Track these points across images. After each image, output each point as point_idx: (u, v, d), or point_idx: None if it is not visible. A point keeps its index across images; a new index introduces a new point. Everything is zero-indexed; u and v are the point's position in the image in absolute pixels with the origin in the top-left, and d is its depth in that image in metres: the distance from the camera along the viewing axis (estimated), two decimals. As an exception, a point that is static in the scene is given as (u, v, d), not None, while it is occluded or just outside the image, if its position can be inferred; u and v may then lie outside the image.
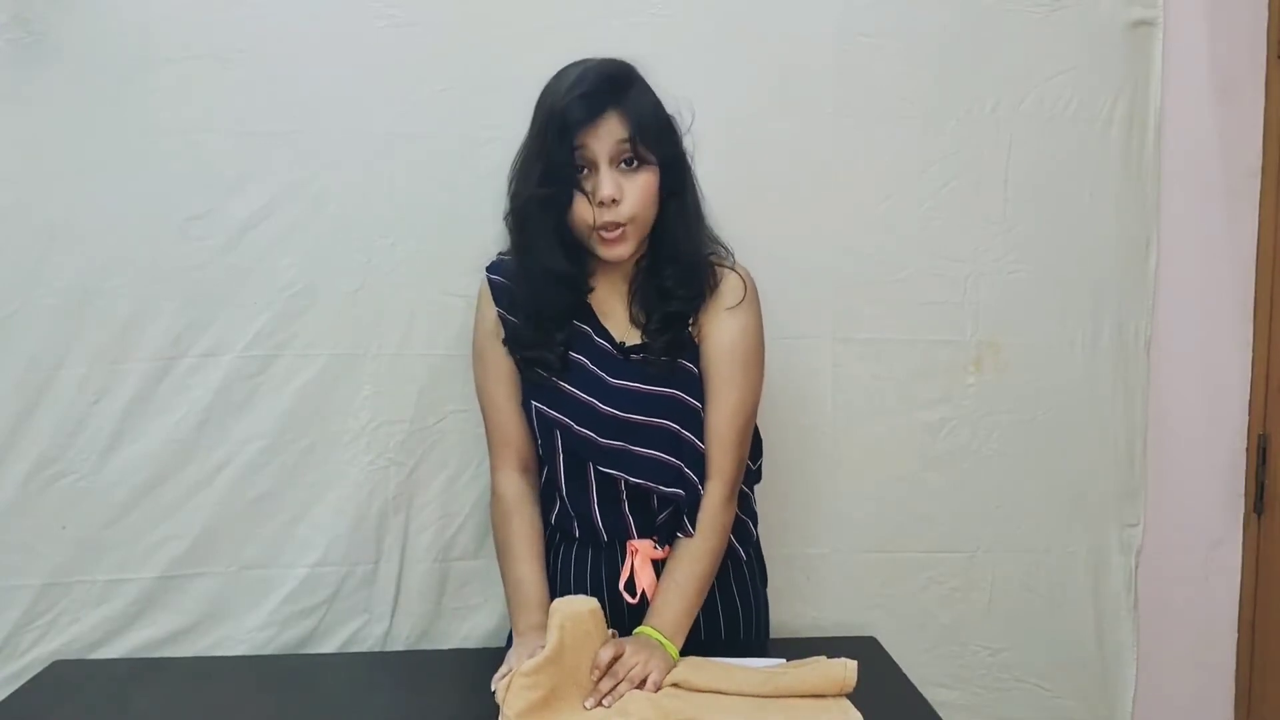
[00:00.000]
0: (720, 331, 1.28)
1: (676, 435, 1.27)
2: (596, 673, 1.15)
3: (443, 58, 1.51)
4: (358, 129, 1.51)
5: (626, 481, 1.28)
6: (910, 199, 1.59)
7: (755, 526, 1.41)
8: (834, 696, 1.16)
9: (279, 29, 1.49)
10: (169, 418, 1.51)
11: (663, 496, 1.28)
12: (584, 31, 1.49)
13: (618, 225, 1.22)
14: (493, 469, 1.37)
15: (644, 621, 1.23)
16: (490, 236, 1.51)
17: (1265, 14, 1.63)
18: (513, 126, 1.49)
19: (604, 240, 1.23)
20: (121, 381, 1.50)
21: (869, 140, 1.57)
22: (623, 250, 1.24)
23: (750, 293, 1.30)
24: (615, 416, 1.27)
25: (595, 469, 1.29)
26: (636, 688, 1.14)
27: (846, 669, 1.17)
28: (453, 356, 1.52)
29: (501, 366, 1.33)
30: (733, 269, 1.31)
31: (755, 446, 1.38)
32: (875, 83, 1.57)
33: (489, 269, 1.36)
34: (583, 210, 1.22)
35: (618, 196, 1.20)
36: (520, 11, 1.51)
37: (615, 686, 1.14)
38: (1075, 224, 1.61)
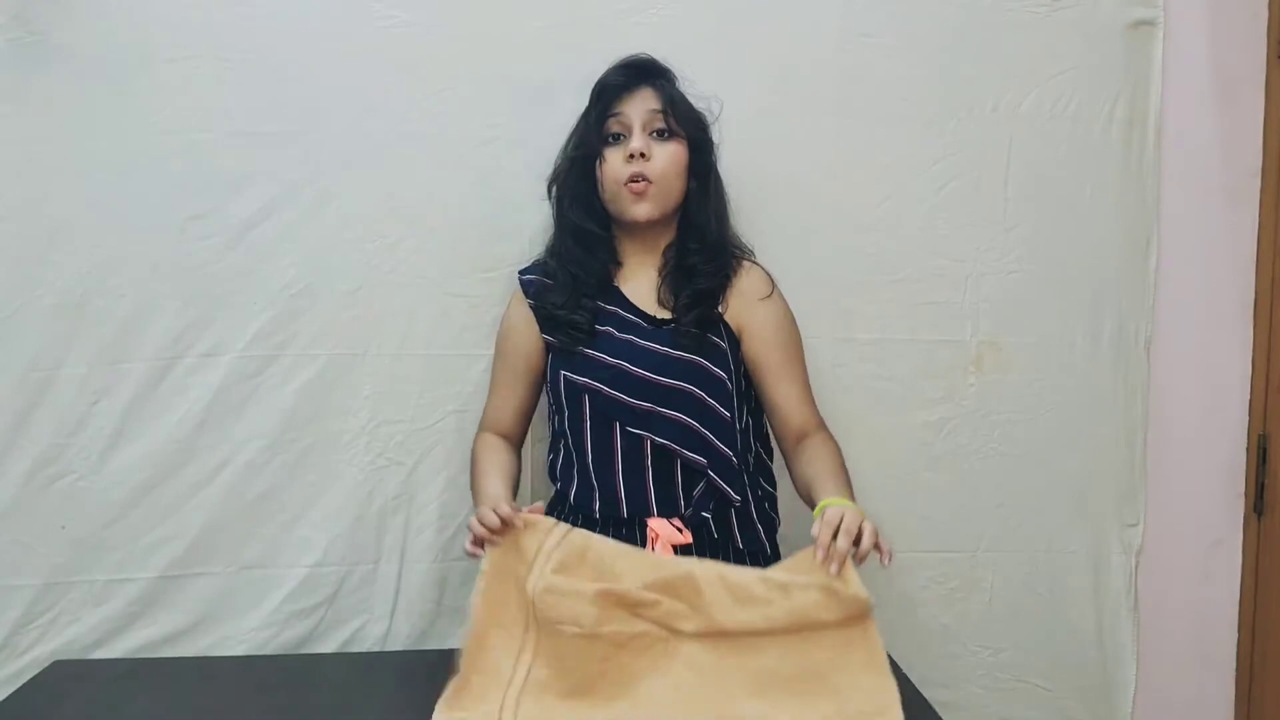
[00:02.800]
0: (763, 321, 1.37)
1: (701, 401, 1.31)
2: (822, 553, 1.12)
3: (443, 58, 1.51)
4: (358, 129, 1.51)
5: (652, 444, 1.32)
6: (910, 199, 1.59)
7: (778, 532, 1.42)
8: (858, 622, 1.12)
9: (279, 29, 1.49)
10: (169, 418, 1.51)
11: (686, 464, 1.31)
12: (584, 32, 1.49)
13: (645, 179, 1.31)
14: (476, 436, 1.44)
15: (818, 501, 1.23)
16: (490, 236, 1.52)
17: (1265, 14, 1.63)
18: (513, 126, 1.50)
19: (631, 193, 1.32)
20: (121, 381, 1.50)
21: (869, 140, 1.57)
22: (647, 208, 1.33)
23: (775, 284, 1.40)
24: (645, 378, 1.32)
25: (622, 431, 1.32)
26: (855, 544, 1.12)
27: (863, 604, 1.11)
28: (453, 356, 1.53)
29: (517, 359, 1.41)
30: (755, 263, 1.40)
31: (770, 452, 1.44)
32: (875, 83, 1.57)
33: (521, 271, 1.43)
34: (613, 164, 1.33)
35: (646, 152, 1.32)
36: (520, 12, 1.51)
37: (850, 549, 1.12)
38: (1075, 224, 1.61)
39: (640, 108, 1.33)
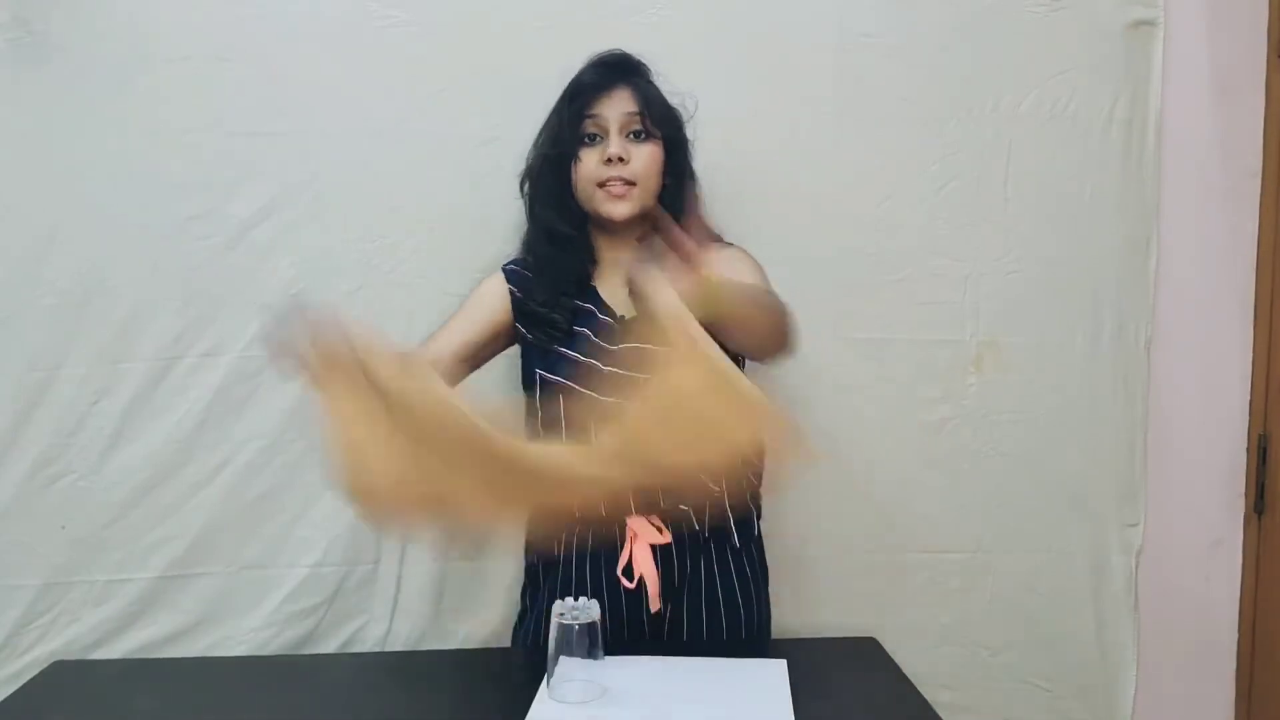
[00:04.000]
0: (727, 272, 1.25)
1: None
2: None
3: (442, 58, 1.51)
4: (357, 128, 1.51)
5: None
6: (910, 199, 1.59)
7: (759, 522, 1.41)
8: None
9: (279, 29, 1.49)
10: (169, 418, 1.51)
11: None
12: (584, 31, 1.49)
13: (625, 182, 1.30)
14: None
15: None
16: (490, 236, 1.52)
17: (1265, 14, 1.63)
18: (513, 126, 1.50)
19: (609, 195, 1.30)
20: (121, 381, 1.50)
21: (869, 140, 1.57)
22: (625, 208, 1.31)
23: (752, 259, 1.35)
24: (614, 373, 1.30)
25: (596, 429, 1.30)
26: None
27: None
28: (453, 356, 1.52)
29: (481, 319, 1.37)
30: (732, 245, 1.37)
31: None
32: (875, 83, 1.57)
33: (505, 264, 1.40)
34: (589, 165, 1.31)
35: (625, 156, 1.29)
36: (520, 12, 1.51)
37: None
38: (1075, 224, 1.61)
39: (617, 110, 1.31)
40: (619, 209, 1.31)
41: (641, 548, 1.30)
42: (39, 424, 1.50)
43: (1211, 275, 1.66)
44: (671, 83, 1.36)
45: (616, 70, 1.33)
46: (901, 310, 1.60)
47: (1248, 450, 1.69)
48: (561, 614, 1.17)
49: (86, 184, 1.49)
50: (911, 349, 1.61)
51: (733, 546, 1.36)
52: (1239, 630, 1.71)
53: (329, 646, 1.56)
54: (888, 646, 1.39)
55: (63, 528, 1.51)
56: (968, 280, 1.60)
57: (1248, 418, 1.68)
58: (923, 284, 1.60)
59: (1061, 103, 1.59)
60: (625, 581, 1.30)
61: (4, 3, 1.45)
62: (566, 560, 1.35)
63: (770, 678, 1.23)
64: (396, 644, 1.57)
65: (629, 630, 1.33)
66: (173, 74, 1.48)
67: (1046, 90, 1.59)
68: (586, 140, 1.32)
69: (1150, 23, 1.59)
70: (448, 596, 1.58)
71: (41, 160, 1.48)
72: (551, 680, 1.17)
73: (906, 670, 1.30)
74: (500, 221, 1.52)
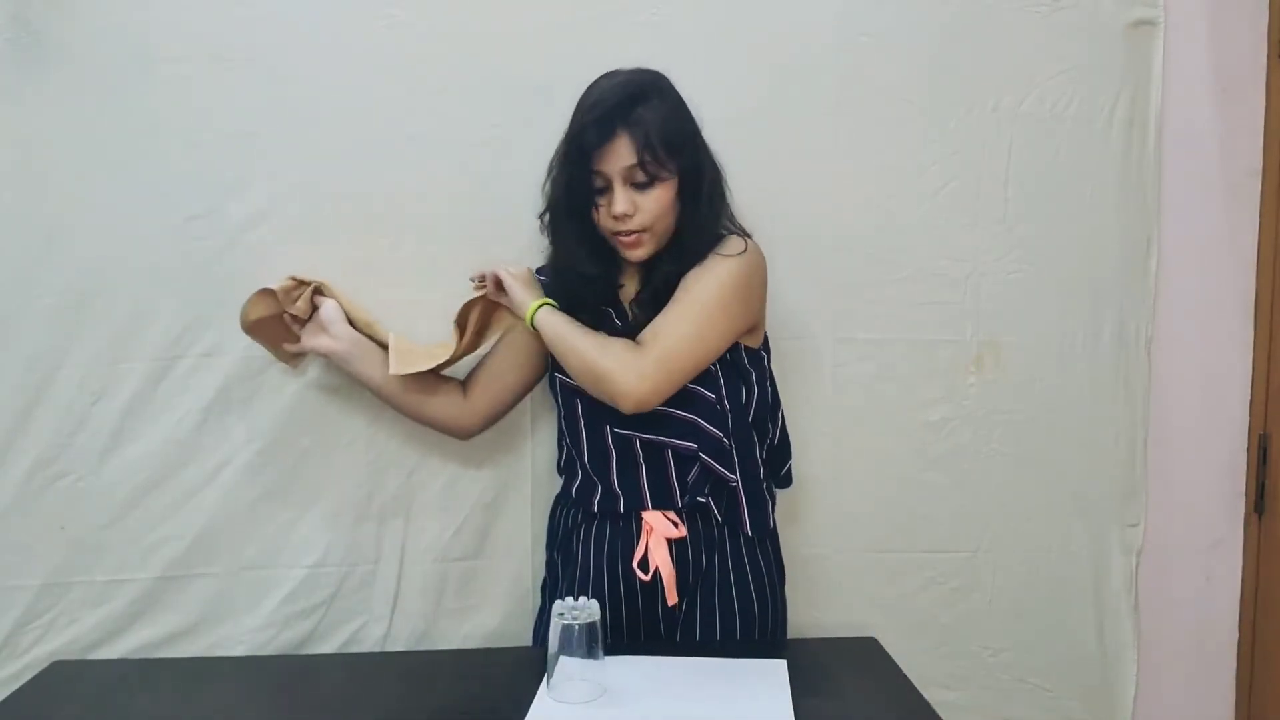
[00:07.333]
0: (698, 270, 1.32)
1: (688, 389, 1.31)
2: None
3: (443, 58, 1.51)
4: (357, 129, 1.51)
5: (641, 441, 1.33)
6: (910, 199, 1.59)
7: (773, 513, 1.41)
8: None
9: (279, 29, 1.49)
10: (169, 418, 1.51)
11: (677, 453, 1.32)
12: (585, 32, 1.49)
13: (633, 232, 1.30)
14: None
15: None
16: (490, 236, 1.52)
17: (1265, 14, 1.63)
18: (512, 126, 1.50)
19: (623, 244, 1.32)
20: (121, 381, 1.50)
21: (869, 140, 1.57)
22: (642, 252, 1.33)
23: (751, 252, 1.33)
24: None
25: (612, 432, 1.34)
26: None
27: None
28: (453, 356, 1.52)
29: (512, 346, 1.45)
30: (740, 234, 1.36)
31: (784, 448, 1.44)
32: (875, 82, 1.57)
33: (538, 270, 1.44)
34: (603, 219, 1.31)
35: (629, 211, 1.29)
36: (521, 12, 1.51)
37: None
38: (1075, 224, 1.61)
39: (616, 164, 1.26)
40: (636, 254, 1.33)
41: (657, 541, 1.32)
42: (39, 424, 1.49)
43: (1211, 275, 1.66)
44: (683, 88, 1.33)
45: (612, 115, 1.26)
46: (901, 310, 1.60)
47: (1248, 450, 1.69)
48: (561, 614, 1.17)
49: (86, 184, 1.48)
50: (911, 349, 1.61)
51: (747, 541, 1.37)
52: (1239, 630, 1.71)
53: (329, 647, 1.55)
54: (888, 646, 1.39)
55: (62, 528, 1.51)
56: (968, 280, 1.60)
57: (1248, 418, 1.68)
58: (923, 284, 1.60)
59: (1061, 103, 1.59)
60: (640, 574, 1.31)
61: (4, 3, 1.45)
62: (584, 556, 1.37)
63: (770, 678, 1.23)
64: (396, 644, 1.57)
65: (645, 628, 1.34)
66: (172, 74, 1.48)
67: (1046, 90, 1.59)
68: (597, 193, 1.30)
69: (1150, 23, 1.60)
70: (448, 596, 1.58)
71: (41, 160, 1.48)
72: (551, 680, 1.18)
73: (906, 670, 1.30)
74: (500, 221, 1.52)
